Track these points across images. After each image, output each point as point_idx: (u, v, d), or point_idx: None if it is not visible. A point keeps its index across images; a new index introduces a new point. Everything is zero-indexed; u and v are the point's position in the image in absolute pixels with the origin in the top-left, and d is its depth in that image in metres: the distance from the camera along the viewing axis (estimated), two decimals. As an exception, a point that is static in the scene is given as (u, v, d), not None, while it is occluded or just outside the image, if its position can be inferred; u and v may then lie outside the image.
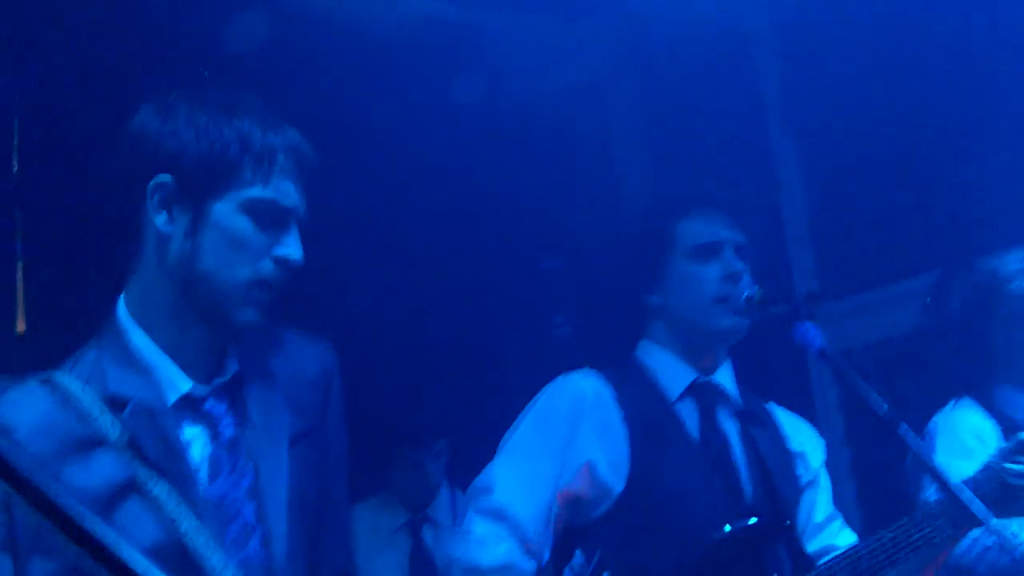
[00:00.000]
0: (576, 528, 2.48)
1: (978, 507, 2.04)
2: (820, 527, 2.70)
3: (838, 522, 2.74)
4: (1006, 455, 2.43)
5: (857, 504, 4.25)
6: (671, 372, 2.60)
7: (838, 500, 2.86)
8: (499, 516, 2.42)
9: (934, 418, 3.11)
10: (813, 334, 2.29)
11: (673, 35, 5.34)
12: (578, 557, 2.21)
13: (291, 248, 1.90)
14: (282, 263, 1.89)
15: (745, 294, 2.51)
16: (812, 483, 2.72)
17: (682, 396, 2.59)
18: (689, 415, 2.59)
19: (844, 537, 2.71)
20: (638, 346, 2.67)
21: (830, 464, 4.83)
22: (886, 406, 2.18)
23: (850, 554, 2.41)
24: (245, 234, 1.87)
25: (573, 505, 2.49)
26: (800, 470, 2.70)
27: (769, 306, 2.47)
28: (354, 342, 4.51)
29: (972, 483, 2.41)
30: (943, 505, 2.38)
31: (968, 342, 3.12)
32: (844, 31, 5.05)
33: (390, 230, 4.75)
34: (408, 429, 4.10)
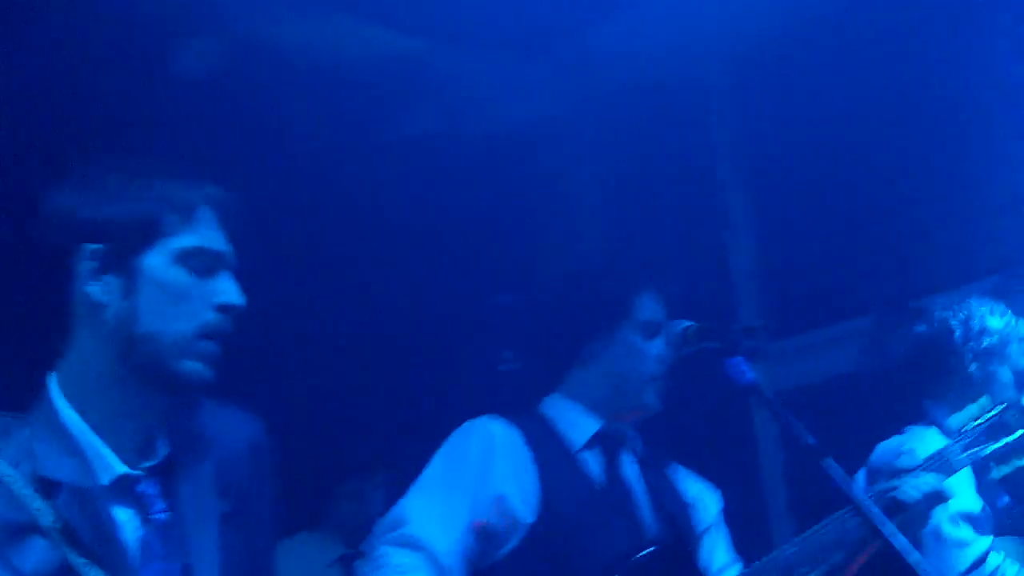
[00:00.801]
0: (484, 570, 2.51)
1: (901, 542, 2.06)
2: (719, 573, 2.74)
3: (733, 570, 2.76)
4: (883, 475, 2.57)
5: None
6: (575, 423, 2.68)
7: (778, 535, 2.88)
8: (415, 546, 2.44)
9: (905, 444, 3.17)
10: (743, 368, 2.32)
11: (630, 77, 5.41)
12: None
13: (230, 294, 1.89)
14: (225, 310, 1.88)
15: (681, 327, 2.56)
16: (709, 530, 2.78)
17: (586, 445, 2.66)
18: (594, 461, 2.66)
19: None
20: (544, 400, 2.74)
21: (770, 499, 4.94)
22: (812, 439, 2.20)
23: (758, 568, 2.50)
24: (182, 285, 1.85)
25: (485, 537, 2.52)
26: (695, 519, 2.76)
27: (703, 340, 2.50)
28: (299, 371, 4.53)
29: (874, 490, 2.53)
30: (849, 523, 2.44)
31: (926, 376, 3.29)
32: (794, 78, 5.16)
33: (343, 260, 4.75)
34: (352, 459, 4.10)
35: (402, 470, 4.18)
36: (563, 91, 5.51)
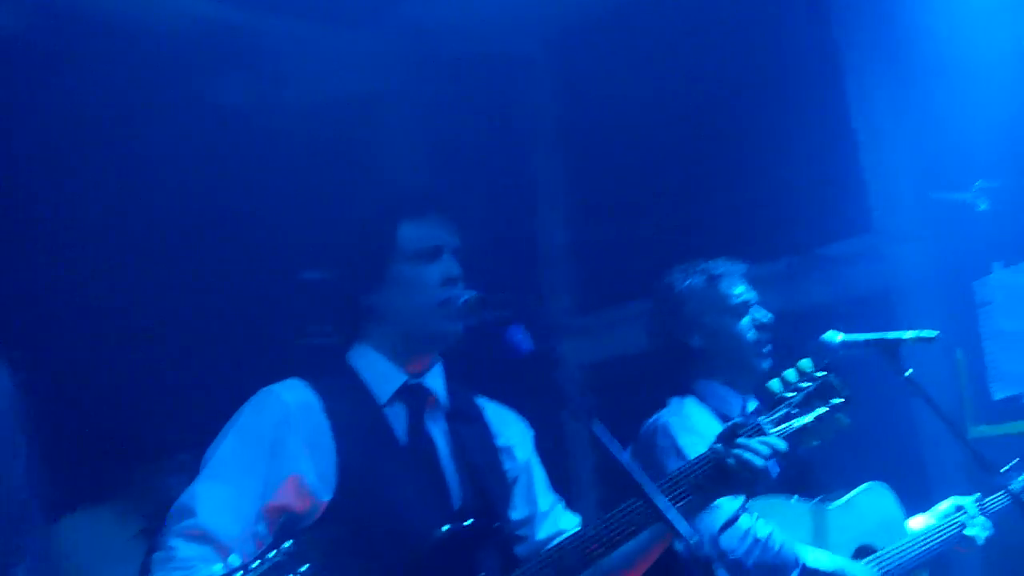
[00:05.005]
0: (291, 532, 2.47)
1: (675, 516, 2.13)
2: (545, 515, 2.76)
3: (560, 507, 2.81)
4: (722, 439, 2.55)
5: (597, 509, 4.40)
6: (382, 376, 2.62)
7: (583, 507, 2.94)
8: (203, 538, 2.37)
9: (662, 416, 3.33)
10: (522, 338, 2.34)
11: (451, 50, 5.43)
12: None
13: None
14: None
15: (462, 299, 2.55)
16: (522, 475, 2.77)
17: (392, 400, 2.61)
18: (398, 419, 2.60)
19: (567, 520, 2.78)
20: (351, 350, 2.68)
21: (576, 472, 5.07)
22: (584, 404, 2.27)
23: (553, 550, 2.48)
24: None
25: (282, 517, 2.47)
26: (507, 465, 2.75)
27: (484, 310, 2.51)
28: (101, 351, 4.40)
29: (694, 464, 2.52)
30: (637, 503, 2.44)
31: (684, 348, 3.43)
32: (614, 56, 5.27)
33: (148, 233, 4.61)
34: (149, 442, 4.02)
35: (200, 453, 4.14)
36: (383, 63, 5.49)
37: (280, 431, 2.48)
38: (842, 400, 2.71)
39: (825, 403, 2.69)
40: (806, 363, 2.75)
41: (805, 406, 2.69)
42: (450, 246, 2.64)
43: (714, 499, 2.60)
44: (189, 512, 2.40)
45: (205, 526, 2.37)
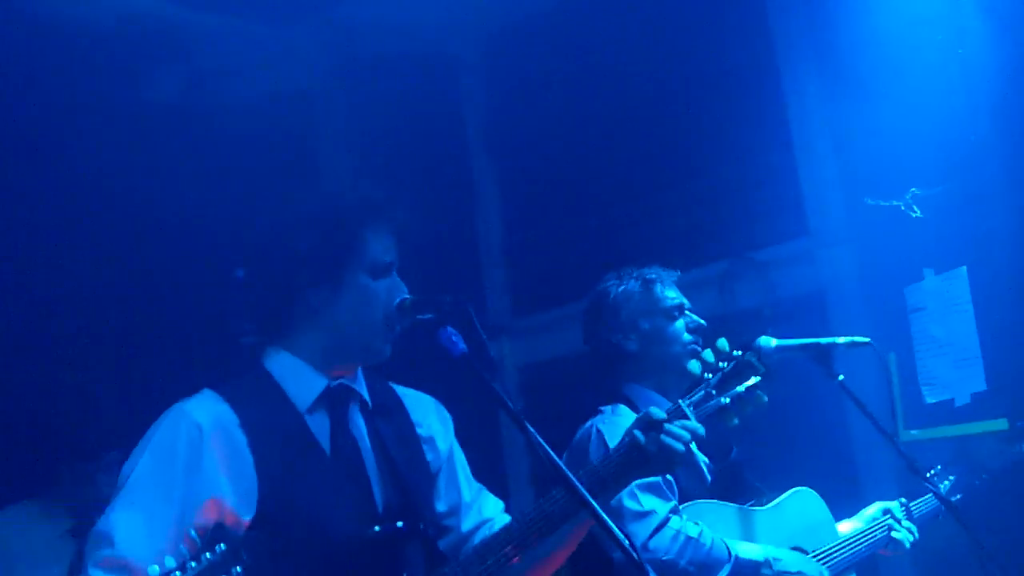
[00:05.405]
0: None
1: (613, 526, 2.13)
2: (469, 505, 2.74)
3: (483, 494, 2.79)
4: (640, 425, 2.54)
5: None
6: (303, 382, 2.55)
7: (518, 507, 2.91)
8: (123, 568, 2.31)
9: (595, 423, 3.34)
10: (455, 339, 2.33)
11: (381, 49, 5.40)
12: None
13: None
14: None
15: (396, 300, 2.53)
16: (445, 465, 2.75)
17: (313, 406, 2.55)
18: (319, 425, 2.55)
19: (491, 507, 2.77)
20: (268, 356, 2.60)
21: (512, 472, 5.07)
22: (514, 405, 2.27)
23: (479, 548, 2.48)
24: None
25: (207, 532, 2.30)
26: (430, 456, 2.73)
27: (418, 312, 2.49)
28: (29, 348, 4.31)
29: (615, 453, 2.53)
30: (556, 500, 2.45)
31: (619, 352, 3.46)
32: (544, 56, 5.28)
33: (84, 234, 4.52)
34: (78, 440, 3.93)
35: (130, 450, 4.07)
36: (318, 61, 5.44)
37: (194, 454, 2.40)
38: (759, 377, 2.72)
39: (743, 382, 2.71)
40: (723, 343, 2.78)
41: (724, 386, 2.71)
42: (397, 262, 2.61)
43: (633, 481, 2.60)
44: (108, 541, 2.34)
45: (124, 555, 2.32)
